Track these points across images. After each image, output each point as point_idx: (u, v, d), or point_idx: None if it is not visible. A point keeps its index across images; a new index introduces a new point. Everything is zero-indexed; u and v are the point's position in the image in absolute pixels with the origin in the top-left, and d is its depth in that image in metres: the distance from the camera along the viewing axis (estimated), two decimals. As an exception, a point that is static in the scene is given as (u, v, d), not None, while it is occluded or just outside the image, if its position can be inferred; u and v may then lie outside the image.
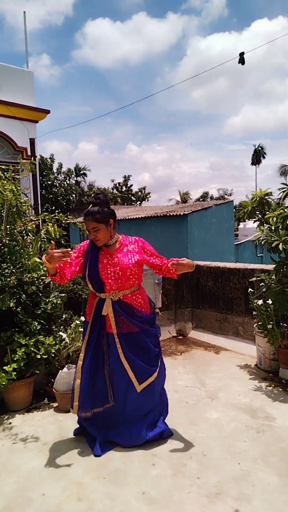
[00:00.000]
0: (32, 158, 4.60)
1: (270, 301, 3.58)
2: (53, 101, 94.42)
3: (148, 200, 32.18)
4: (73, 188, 26.34)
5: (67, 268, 2.46)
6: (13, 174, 3.42)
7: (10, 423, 2.89)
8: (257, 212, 3.87)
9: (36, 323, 3.15)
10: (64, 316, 3.48)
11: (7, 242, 3.18)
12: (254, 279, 4.07)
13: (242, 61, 8.18)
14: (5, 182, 3.22)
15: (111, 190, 31.12)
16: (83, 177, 30.40)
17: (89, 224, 2.42)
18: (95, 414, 2.52)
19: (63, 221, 3.71)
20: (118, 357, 2.47)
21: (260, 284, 3.73)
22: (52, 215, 3.76)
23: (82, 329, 3.28)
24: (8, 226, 3.19)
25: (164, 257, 2.62)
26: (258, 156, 45.75)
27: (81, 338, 3.25)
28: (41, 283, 3.33)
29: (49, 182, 23.95)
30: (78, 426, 2.72)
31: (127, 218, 15.58)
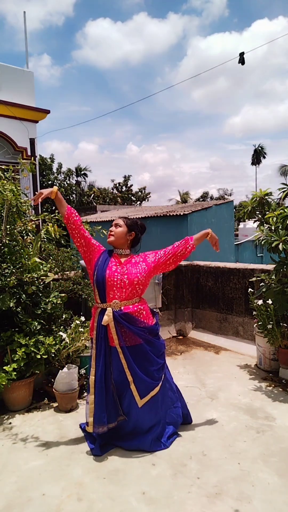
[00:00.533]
0: (32, 158, 4.59)
1: (270, 301, 3.58)
2: (54, 101, 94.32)
3: (148, 200, 32.17)
4: (73, 188, 26.35)
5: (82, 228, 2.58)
6: (13, 174, 3.42)
7: (10, 423, 2.89)
8: (257, 212, 3.87)
9: (36, 323, 3.15)
10: (64, 316, 3.47)
11: (7, 242, 3.18)
12: (254, 279, 4.07)
13: (242, 61, 8.16)
14: (5, 182, 3.22)
15: (111, 190, 31.11)
16: (84, 178, 30.42)
17: (115, 220, 2.61)
18: (109, 429, 2.50)
19: (63, 221, 3.71)
20: (123, 370, 2.44)
21: (260, 284, 3.73)
22: (52, 215, 3.76)
23: (82, 329, 3.29)
24: (8, 226, 3.19)
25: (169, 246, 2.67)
26: (258, 156, 45.74)
27: (81, 338, 3.26)
28: (41, 283, 3.33)
29: (49, 182, 23.95)
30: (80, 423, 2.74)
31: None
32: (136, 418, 2.50)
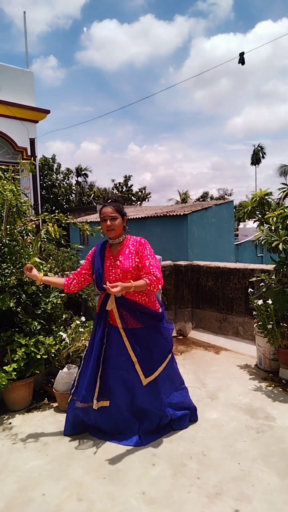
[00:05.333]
0: (32, 158, 4.58)
1: (270, 301, 3.58)
2: (58, 102, 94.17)
3: (148, 200, 32.23)
4: (73, 188, 26.36)
5: (74, 281, 2.65)
6: (13, 174, 3.42)
7: (10, 423, 2.89)
8: (257, 212, 3.87)
9: (36, 323, 3.15)
10: (64, 316, 3.47)
11: (7, 242, 3.18)
12: (254, 279, 4.07)
13: (242, 61, 8.17)
14: (5, 182, 3.22)
15: (112, 190, 31.13)
16: (85, 177, 30.46)
17: (109, 211, 2.51)
18: (92, 410, 2.57)
19: (63, 221, 3.71)
20: (126, 352, 2.53)
21: (260, 284, 3.73)
22: (52, 215, 3.76)
23: (82, 329, 3.29)
24: (8, 226, 3.19)
25: (150, 271, 2.46)
26: (257, 156, 45.71)
27: (81, 338, 3.26)
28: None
29: (49, 182, 23.97)
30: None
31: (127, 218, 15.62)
32: (139, 396, 2.60)
